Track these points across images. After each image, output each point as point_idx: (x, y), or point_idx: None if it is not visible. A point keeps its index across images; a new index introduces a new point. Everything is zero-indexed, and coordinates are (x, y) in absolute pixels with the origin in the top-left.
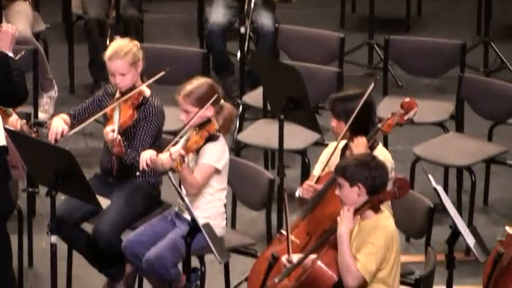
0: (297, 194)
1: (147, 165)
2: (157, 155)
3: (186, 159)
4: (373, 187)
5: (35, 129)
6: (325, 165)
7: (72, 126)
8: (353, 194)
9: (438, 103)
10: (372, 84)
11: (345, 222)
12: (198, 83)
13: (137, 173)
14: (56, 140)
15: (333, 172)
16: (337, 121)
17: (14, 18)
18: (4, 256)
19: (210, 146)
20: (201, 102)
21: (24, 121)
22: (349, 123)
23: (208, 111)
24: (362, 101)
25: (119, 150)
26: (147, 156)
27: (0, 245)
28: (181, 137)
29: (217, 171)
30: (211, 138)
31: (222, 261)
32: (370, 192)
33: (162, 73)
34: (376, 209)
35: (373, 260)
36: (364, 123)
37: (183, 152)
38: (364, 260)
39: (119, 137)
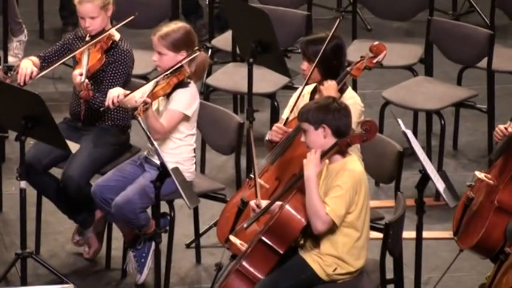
0: (266, 138)
1: (113, 103)
2: (125, 95)
3: (155, 104)
4: (338, 128)
5: (9, 75)
6: (293, 108)
7: (41, 68)
8: (319, 137)
9: (407, 46)
10: (336, 24)
11: (311, 165)
12: (176, 26)
13: (101, 109)
14: (24, 82)
15: None
16: (309, 64)
17: None
18: None
19: (181, 92)
20: (175, 46)
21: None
22: (315, 62)
23: (180, 55)
24: (328, 39)
25: (86, 94)
26: (115, 94)
27: None
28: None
29: (186, 118)
30: (181, 85)
31: (191, 206)
32: (336, 134)
33: (131, 18)
34: (344, 153)
35: (342, 204)
36: (335, 67)
37: (147, 100)
38: (332, 203)
39: (87, 80)
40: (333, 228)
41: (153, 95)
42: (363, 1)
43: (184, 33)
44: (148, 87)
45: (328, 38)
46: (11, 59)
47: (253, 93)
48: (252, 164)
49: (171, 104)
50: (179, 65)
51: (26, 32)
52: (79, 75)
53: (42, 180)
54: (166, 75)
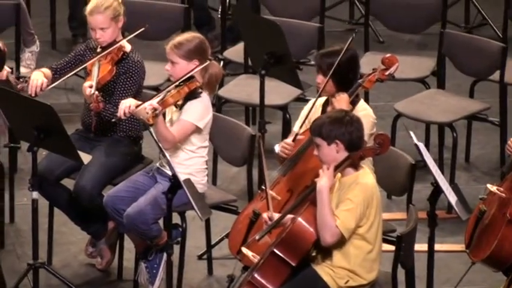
0: (275, 150)
1: (124, 114)
2: (137, 106)
3: (168, 114)
4: (351, 142)
5: (21, 80)
6: (305, 121)
7: (53, 80)
8: (332, 151)
9: (419, 59)
10: (351, 38)
11: (324, 178)
12: (190, 36)
13: (113, 120)
14: (36, 93)
15: None
16: (323, 77)
17: None
18: None
19: (194, 104)
20: (188, 55)
21: (11, 70)
22: (330, 74)
23: (193, 64)
24: (342, 52)
25: (96, 106)
26: (126, 104)
27: None
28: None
29: (197, 130)
30: (192, 95)
31: (203, 217)
32: (349, 148)
33: (142, 29)
34: (357, 166)
35: (352, 217)
36: (351, 80)
37: (156, 105)
38: (342, 216)
39: (96, 92)
40: (344, 241)
41: (163, 103)
42: (375, 13)
43: (197, 42)
44: (158, 98)
45: (343, 50)
46: (23, 70)
47: (265, 105)
48: (263, 176)
49: (183, 115)
50: (190, 74)
51: (38, 42)
52: (89, 87)
53: (54, 191)
54: (178, 84)
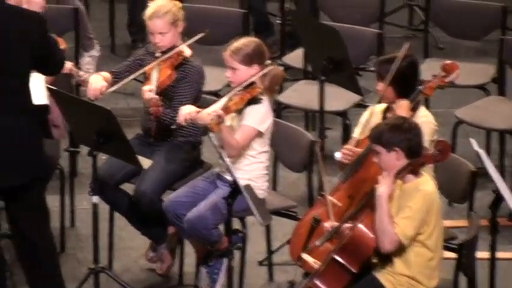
0: (335, 157)
1: (185, 120)
2: (197, 112)
3: (228, 120)
4: (410, 149)
5: (82, 73)
6: (365, 127)
7: (112, 84)
8: (391, 159)
9: (479, 66)
10: (407, 45)
11: (384, 185)
12: (247, 41)
13: (172, 126)
14: (95, 97)
15: None
16: (384, 84)
17: None
18: (45, 215)
19: (254, 108)
20: (247, 59)
21: (72, 63)
22: (390, 81)
23: (253, 69)
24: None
25: (156, 110)
26: (187, 111)
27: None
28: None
29: (259, 134)
30: (253, 101)
31: (264, 223)
32: (409, 155)
33: (202, 34)
34: (417, 173)
35: (411, 224)
36: (411, 86)
37: (220, 112)
38: (402, 224)
39: (156, 96)
40: (405, 248)
41: (225, 110)
42: (435, 20)
43: (255, 46)
44: (220, 104)
45: (401, 57)
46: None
47: (325, 111)
48: (323, 182)
49: (244, 120)
50: (252, 80)
51: (97, 47)
52: (148, 91)
53: (115, 196)
54: (239, 90)
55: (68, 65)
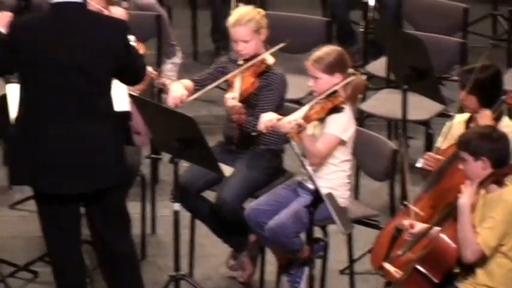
0: (417, 165)
1: (266, 127)
2: (278, 120)
3: (310, 129)
4: (497, 159)
5: (162, 76)
6: (447, 137)
7: (194, 92)
8: (477, 168)
9: None
10: (487, 54)
11: (466, 194)
12: (329, 49)
13: (253, 133)
14: (175, 105)
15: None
16: (466, 93)
17: None
18: (126, 221)
19: (337, 117)
20: (329, 68)
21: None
22: (472, 90)
23: (335, 78)
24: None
25: (239, 118)
26: (268, 118)
27: (123, 211)
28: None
29: (342, 143)
30: (335, 110)
31: (345, 232)
32: (495, 165)
33: (283, 44)
34: (501, 183)
35: (494, 235)
36: (494, 96)
37: (300, 121)
38: (484, 234)
39: (239, 104)
40: (487, 258)
41: (306, 118)
42: None
43: (337, 55)
44: (301, 112)
45: (480, 66)
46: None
47: (407, 120)
48: (405, 192)
49: (326, 128)
50: (334, 89)
51: (180, 54)
52: (231, 98)
53: (196, 203)
54: (321, 99)
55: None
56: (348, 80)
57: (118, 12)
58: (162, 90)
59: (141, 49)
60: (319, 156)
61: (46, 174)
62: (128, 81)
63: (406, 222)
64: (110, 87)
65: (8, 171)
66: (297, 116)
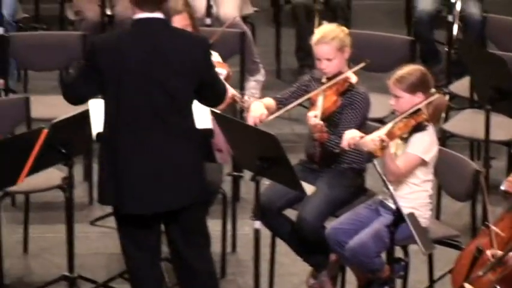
0: (501, 187)
1: (348, 145)
2: (361, 137)
3: (392, 147)
4: None
5: (246, 99)
6: None
7: (277, 110)
8: None
9: None
10: None
11: None
12: (411, 69)
13: (336, 150)
14: (255, 124)
15: None
16: None
17: (223, 1)
18: (206, 239)
19: (419, 136)
20: (411, 88)
21: (236, 91)
22: None
23: (417, 98)
24: None
25: (321, 136)
26: (351, 136)
27: (202, 229)
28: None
29: (423, 163)
30: (418, 127)
31: (426, 252)
32: None
33: (365, 63)
34: None
35: None
36: None
37: (383, 137)
38: None
39: (321, 122)
40: None
41: (390, 135)
42: None
43: (419, 75)
44: (385, 129)
45: None
46: (247, 99)
47: (491, 141)
48: (487, 212)
49: (409, 148)
50: (418, 107)
51: (263, 71)
52: (314, 116)
53: (277, 221)
54: (404, 117)
55: (229, 93)
56: (431, 99)
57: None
58: (244, 109)
59: (224, 68)
60: (397, 174)
61: (129, 194)
62: (209, 102)
63: (488, 252)
64: (192, 105)
65: (89, 187)
66: (380, 133)
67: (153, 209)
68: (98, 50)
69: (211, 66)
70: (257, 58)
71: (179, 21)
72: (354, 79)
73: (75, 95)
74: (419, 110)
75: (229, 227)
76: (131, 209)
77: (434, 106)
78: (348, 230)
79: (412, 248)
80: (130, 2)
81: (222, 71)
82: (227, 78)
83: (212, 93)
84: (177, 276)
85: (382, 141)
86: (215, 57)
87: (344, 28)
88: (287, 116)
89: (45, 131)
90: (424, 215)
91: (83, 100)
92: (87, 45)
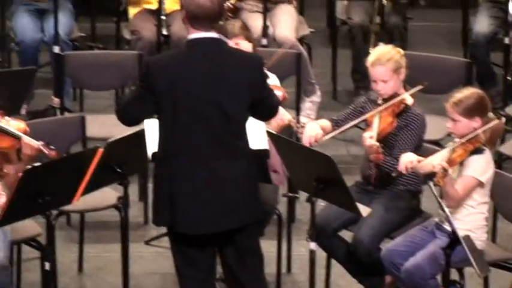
0: None
1: (406, 168)
2: (419, 161)
3: (449, 170)
4: None
5: (301, 125)
6: None
7: (333, 131)
8: None
9: None
10: None
11: None
12: (469, 93)
13: (393, 174)
14: (310, 144)
15: None
16: None
17: (279, 21)
18: (260, 260)
19: (475, 158)
20: (468, 112)
21: (291, 117)
22: None
23: (474, 122)
24: None
25: (377, 157)
26: (408, 159)
27: (256, 249)
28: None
29: (480, 185)
30: (476, 151)
31: (482, 275)
32: None
33: (422, 86)
34: None
35: None
36: None
37: (445, 165)
38: None
39: (377, 143)
40: None
41: (450, 162)
42: None
43: (477, 99)
44: (443, 154)
45: None
46: (303, 120)
47: None
48: None
49: (466, 170)
50: (476, 133)
51: (319, 92)
52: (369, 138)
53: (332, 243)
54: (462, 142)
55: (285, 117)
56: (489, 125)
57: (245, 46)
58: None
59: (281, 91)
60: (458, 199)
61: (184, 215)
62: (261, 116)
63: None
64: (246, 124)
65: (144, 207)
66: (439, 158)
67: (209, 229)
68: (153, 72)
69: (265, 83)
70: (313, 79)
71: (237, 45)
72: (409, 101)
73: (130, 116)
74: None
75: (284, 248)
76: (187, 229)
77: (492, 131)
78: (404, 252)
79: (468, 270)
80: (185, 21)
81: (278, 93)
82: (283, 101)
83: (266, 108)
84: None
85: (445, 170)
86: (272, 79)
87: (400, 49)
88: (343, 137)
89: (101, 150)
90: (480, 238)
91: (137, 121)
92: (142, 65)
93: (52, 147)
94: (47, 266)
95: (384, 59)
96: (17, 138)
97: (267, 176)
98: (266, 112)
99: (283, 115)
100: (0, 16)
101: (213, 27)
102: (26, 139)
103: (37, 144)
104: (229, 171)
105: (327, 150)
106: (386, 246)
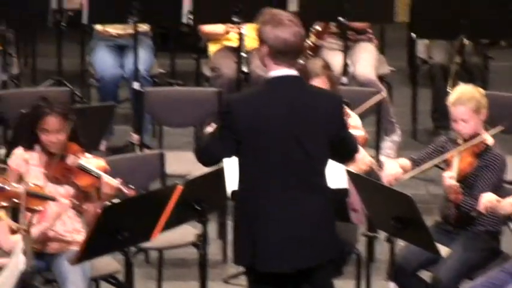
0: None
1: (485, 208)
2: (499, 201)
3: None
4: None
5: (380, 167)
6: None
7: (413, 170)
8: None
9: None
10: None
11: None
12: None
13: (472, 214)
14: (389, 183)
15: None
16: None
17: (359, 60)
18: None
19: None
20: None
21: (372, 159)
22: None
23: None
24: None
25: (456, 197)
26: (488, 199)
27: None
28: None
29: None
30: None
31: None
32: None
33: (501, 128)
34: None
35: None
36: None
37: None
38: None
39: (457, 183)
40: None
41: None
42: None
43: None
44: None
45: None
46: (383, 159)
47: None
48: None
49: None
50: None
51: (399, 131)
52: (449, 178)
53: (411, 283)
54: None
55: (368, 159)
56: None
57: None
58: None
59: (362, 132)
60: None
61: (265, 253)
62: (341, 157)
63: None
64: (326, 162)
65: (223, 245)
66: None
67: (291, 266)
68: (234, 110)
69: (344, 123)
70: (393, 118)
71: (318, 84)
72: (490, 141)
73: (211, 156)
74: None
75: (363, 287)
76: (267, 267)
77: None
78: None
79: None
80: (264, 57)
81: (359, 133)
82: (364, 142)
83: (344, 150)
84: None
85: None
86: (354, 119)
87: (480, 89)
88: (423, 177)
89: (180, 187)
90: None
91: (217, 161)
92: (223, 103)
93: (131, 186)
94: None
95: (465, 98)
96: (97, 177)
97: (347, 214)
98: (345, 153)
99: (365, 157)
100: (80, 52)
101: (294, 64)
102: (106, 178)
103: (116, 183)
104: (309, 207)
105: (407, 190)
106: (466, 287)
